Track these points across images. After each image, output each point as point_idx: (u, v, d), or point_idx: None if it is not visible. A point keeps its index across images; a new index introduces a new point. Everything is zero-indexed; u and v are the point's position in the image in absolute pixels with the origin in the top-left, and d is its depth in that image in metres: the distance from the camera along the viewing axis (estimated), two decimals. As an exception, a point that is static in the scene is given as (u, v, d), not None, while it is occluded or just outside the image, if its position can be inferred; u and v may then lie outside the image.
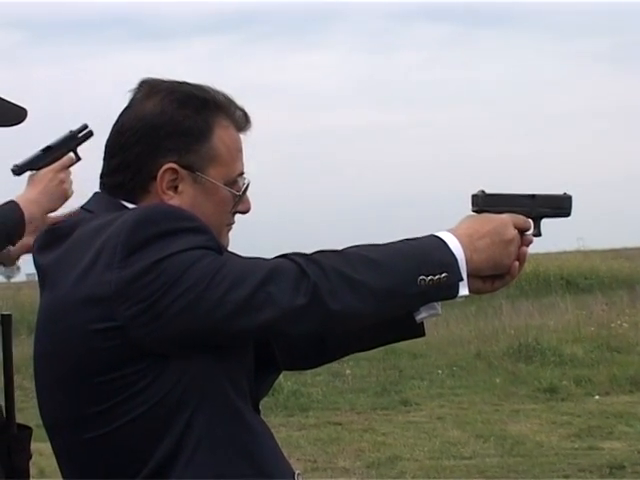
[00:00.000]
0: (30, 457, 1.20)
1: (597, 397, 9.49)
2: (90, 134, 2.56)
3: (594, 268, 20.39)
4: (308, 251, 1.72)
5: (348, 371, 10.43)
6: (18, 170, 2.55)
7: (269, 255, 1.73)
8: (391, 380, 10.27)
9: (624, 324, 13.00)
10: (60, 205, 2.47)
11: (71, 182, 2.50)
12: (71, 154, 2.54)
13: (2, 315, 1.27)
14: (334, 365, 10.29)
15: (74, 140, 2.55)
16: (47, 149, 2.53)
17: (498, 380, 10.24)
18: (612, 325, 12.92)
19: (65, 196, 2.48)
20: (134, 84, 1.81)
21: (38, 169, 2.51)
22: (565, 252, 22.38)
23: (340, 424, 8.49)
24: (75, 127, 2.56)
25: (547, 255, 20.71)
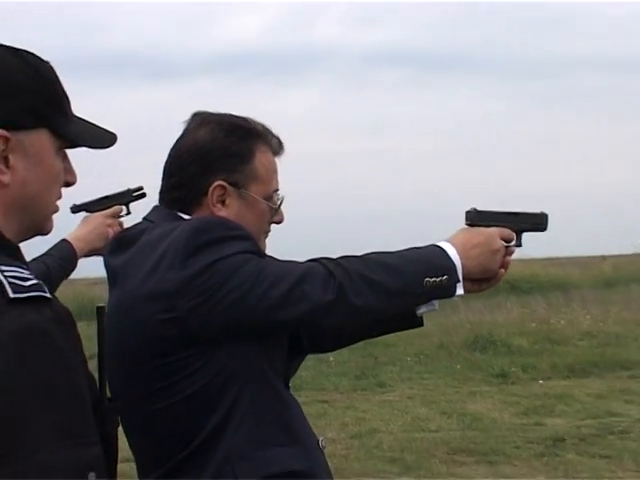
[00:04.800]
0: (118, 425, 1.21)
1: (541, 382, 9.50)
2: (143, 195, 2.52)
3: (534, 274, 20.37)
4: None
5: (331, 358, 10.40)
6: (75, 209, 2.52)
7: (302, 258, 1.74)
8: (368, 366, 10.25)
9: (561, 321, 13.02)
10: (102, 245, 2.40)
11: (117, 230, 2.43)
12: (122, 207, 2.51)
13: (98, 307, 1.28)
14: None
15: (128, 196, 2.51)
16: (104, 198, 2.51)
17: (458, 366, 10.23)
18: (551, 321, 12.93)
19: (107, 238, 2.41)
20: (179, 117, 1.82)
21: (92, 212, 2.49)
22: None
23: (326, 402, 8.49)
24: (133, 186, 2.53)
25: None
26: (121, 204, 2.52)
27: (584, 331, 12.21)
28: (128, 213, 2.52)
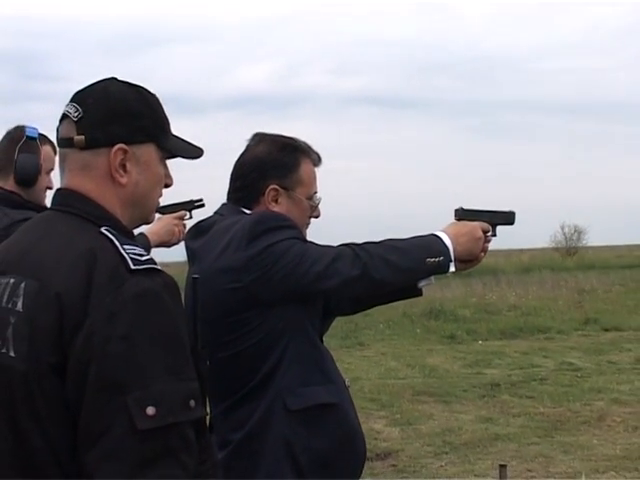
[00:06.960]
0: (208, 365, 1.20)
1: (480, 342, 9.54)
2: (202, 206, 2.47)
3: (472, 262, 20.36)
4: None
5: (323, 324, 10.37)
6: None
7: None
8: (351, 329, 10.22)
9: (493, 297, 13.12)
10: (169, 240, 2.38)
11: (181, 229, 2.39)
12: (186, 212, 2.47)
13: (193, 277, 1.27)
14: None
15: (191, 205, 2.48)
16: (173, 204, 2.46)
17: (418, 330, 10.27)
18: (486, 297, 13.03)
19: (174, 235, 2.38)
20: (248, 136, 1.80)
21: (164, 214, 2.45)
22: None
23: (320, 357, 8.46)
24: (195, 198, 2.49)
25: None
26: (186, 210, 2.50)
27: (511, 304, 12.28)
28: (190, 217, 2.49)
